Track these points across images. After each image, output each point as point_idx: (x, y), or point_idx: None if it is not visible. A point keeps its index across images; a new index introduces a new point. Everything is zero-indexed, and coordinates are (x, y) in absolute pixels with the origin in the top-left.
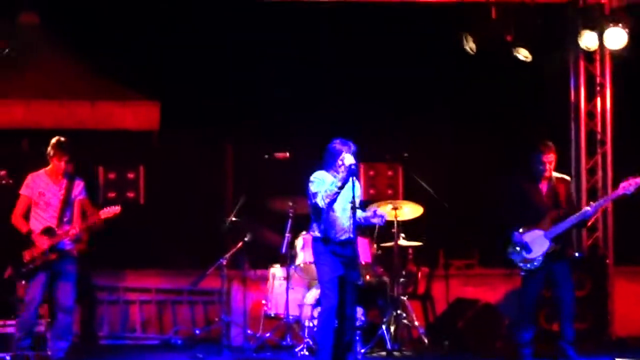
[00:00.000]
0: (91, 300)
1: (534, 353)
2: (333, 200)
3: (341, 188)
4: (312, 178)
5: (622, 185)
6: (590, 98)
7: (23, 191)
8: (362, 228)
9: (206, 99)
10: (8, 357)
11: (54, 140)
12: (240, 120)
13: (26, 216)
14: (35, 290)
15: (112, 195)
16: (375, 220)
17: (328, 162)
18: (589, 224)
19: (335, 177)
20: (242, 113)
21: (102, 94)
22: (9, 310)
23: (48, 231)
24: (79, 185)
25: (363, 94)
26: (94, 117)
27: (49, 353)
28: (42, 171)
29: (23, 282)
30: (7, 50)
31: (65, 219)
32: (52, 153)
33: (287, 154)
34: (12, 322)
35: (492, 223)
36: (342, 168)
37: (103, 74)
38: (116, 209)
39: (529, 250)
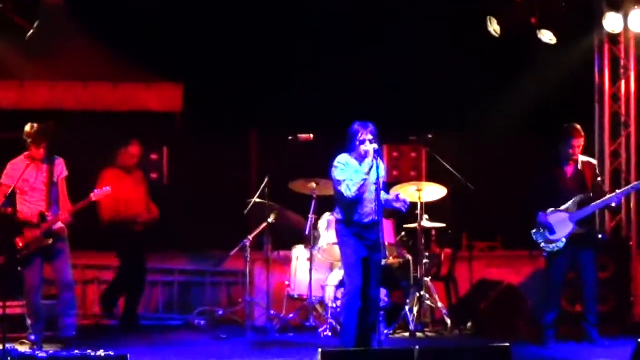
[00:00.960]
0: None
1: (557, 335)
2: (361, 189)
3: (368, 174)
4: (335, 163)
5: None
6: (615, 81)
7: (4, 180)
8: (386, 210)
9: (230, 81)
10: (33, 338)
11: (29, 128)
12: (264, 102)
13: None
14: (34, 276)
15: None
16: (397, 205)
17: (349, 145)
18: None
19: (357, 160)
20: (265, 95)
21: (125, 75)
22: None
23: (39, 216)
24: (59, 165)
25: (387, 75)
26: (117, 98)
27: (59, 332)
28: (21, 157)
29: (20, 268)
30: (31, 31)
31: (52, 200)
32: (30, 140)
33: (311, 136)
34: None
35: (517, 205)
36: (365, 152)
37: (126, 56)
38: (107, 190)
39: (552, 232)
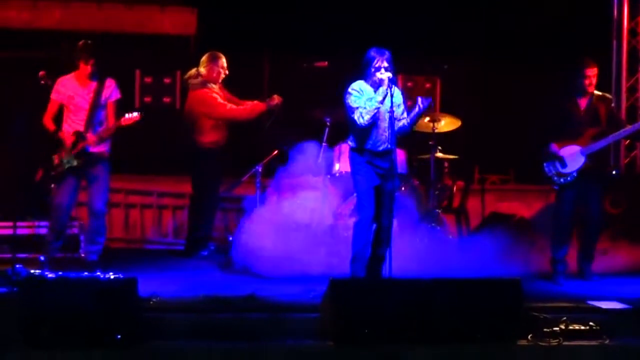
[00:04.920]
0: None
1: (568, 269)
2: (375, 116)
3: (381, 102)
4: (349, 90)
5: None
6: (633, 15)
7: (53, 95)
8: (400, 138)
9: (244, 4)
10: (42, 258)
11: (80, 43)
12: (278, 26)
13: (58, 120)
14: (63, 194)
15: (148, 99)
16: (419, 104)
17: (364, 72)
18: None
19: (372, 87)
20: (280, 21)
21: None
22: (43, 211)
23: (77, 135)
24: (110, 86)
25: (404, 5)
26: (131, 20)
27: (82, 255)
28: (71, 75)
29: (53, 185)
30: None
31: (95, 122)
32: (78, 56)
33: (326, 63)
34: (46, 223)
35: (530, 138)
36: (380, 80)
37: None
38: (136, 116)
39: (564, 165)
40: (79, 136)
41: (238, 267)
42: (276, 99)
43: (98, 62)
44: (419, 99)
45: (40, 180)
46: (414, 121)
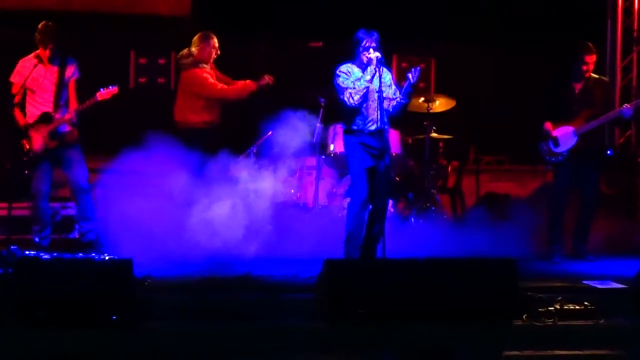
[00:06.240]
0: None
1: (563, 248)
2: (364, 97)
3: (370, 82)
4: (337, 72)
5: None
6: None
7: (13, 78)
8: (393, 119)
9: None
10: (37, 239)
11: (40, 26)
12: (273, 8)
13: (23, 103)
14: (41, 180)
15: (142, 80)
16: (409, 77)
17: (353, 53)
18: None
19: (360, 68)
20: (274, 1)
21: None
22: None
23: (44, 117)
24: (71, 66)
25: None
26: (125, 1)
27: (77, 236)
28: (31, 56)
29: (26, 172)
30: None
31: (61, 102)
32: (38, 38)
33: (321, 43)
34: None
35: (526, 119)
36: (368, 60)
37: None
38: (113, 89)
39: (557, 144)
40: (48, 118)
41: None
42: (266, 79)
43: (57, 45)
44: (409, 73)
45: (12, 167)
46: (408, 95)
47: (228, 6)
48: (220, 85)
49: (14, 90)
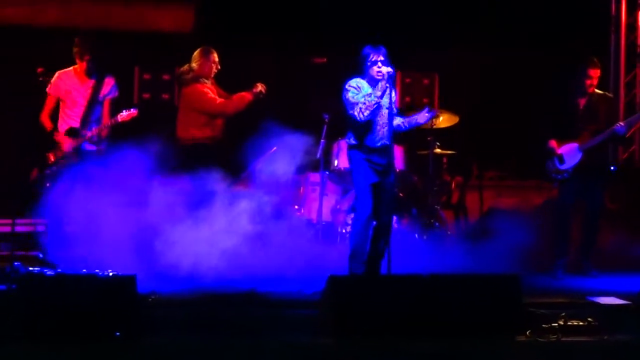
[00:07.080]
0: None
1: (568, 264)
2: (374, 112)
3: (381, 98)
4: (347, 86)
5: None
6: (632, 11)
7: (50, 90)
8: (398, 135)
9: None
10: (40, 256)
11: (76, 39)
12: (278, 24)
13: (55, 115)
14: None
15: (146, 96)
16: (426, 115)
17: (361, 68)
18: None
19: (369, 83)
20: (278, 17)
21: None
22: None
23: (71, 132)
24: (109, 84)
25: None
26: (128, 17)
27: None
28: (70, 69)
29: (48, 184)
30: None
31: (91, 119)
32: (75, 51)
33: (325, 59)
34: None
35: (529, 134)
36: (378, 73)
37: None
38: (134, 112)
39: (562, 162)
40: (74, 133)
41: None
42: (259, 87)
43: (95, 58)
44: (426, 112)
45: (35, 179)
46: (412, 128)
47: (231, 22)
48: (219, 100)
49: (49, 102)
